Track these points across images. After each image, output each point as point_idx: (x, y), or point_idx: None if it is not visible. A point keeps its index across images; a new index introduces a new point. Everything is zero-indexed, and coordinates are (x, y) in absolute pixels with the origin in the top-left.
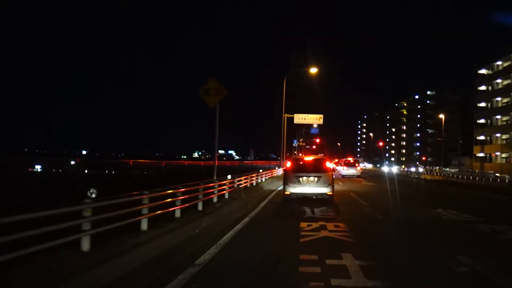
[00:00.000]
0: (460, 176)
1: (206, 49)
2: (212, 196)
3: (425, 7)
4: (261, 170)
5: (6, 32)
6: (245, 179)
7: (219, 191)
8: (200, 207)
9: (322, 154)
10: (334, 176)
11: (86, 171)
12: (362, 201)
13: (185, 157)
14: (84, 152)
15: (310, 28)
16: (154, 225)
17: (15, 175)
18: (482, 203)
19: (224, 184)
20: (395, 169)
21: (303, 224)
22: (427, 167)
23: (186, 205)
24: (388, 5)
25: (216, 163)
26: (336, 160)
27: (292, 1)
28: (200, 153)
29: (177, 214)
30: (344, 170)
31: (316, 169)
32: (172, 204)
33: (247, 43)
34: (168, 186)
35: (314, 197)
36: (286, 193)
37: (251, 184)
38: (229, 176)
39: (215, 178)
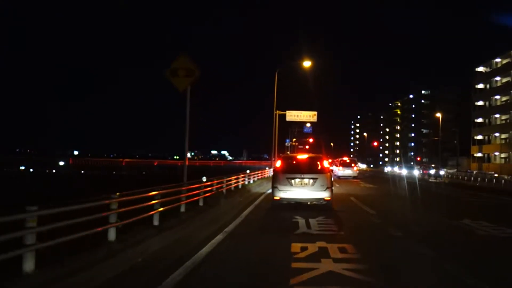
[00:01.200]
0: (460, 177)
1: (206, 49)
2: (179, 204)
3: (425, 7)
4: (248, 171)
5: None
6: (227, 181)
7: (189, 197)
8: (156, 222)
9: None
10: (332, 178)
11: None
12: (367, 208)
13: (177, 157)
14: (76, 152)
15: (309, 27)
16: (55, 260)
17: None
18: None
19: (198, 188)
20: (416, 172)
21: (296, 247)
22: (446, 169)
23: (127, 221)
24: (387, 5)
25: (187, 163)
26: (330, 160)
27: (291, 1)
28: (193, 153)
29: (111, 236)
30: (340, 171)
31: (311, 169)
32: (105, 220)
33: (246, 42)
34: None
35: (308, 203)
36: (275, 198)
37: (236, 186)
38: (204, 179)
39: (185, 181)
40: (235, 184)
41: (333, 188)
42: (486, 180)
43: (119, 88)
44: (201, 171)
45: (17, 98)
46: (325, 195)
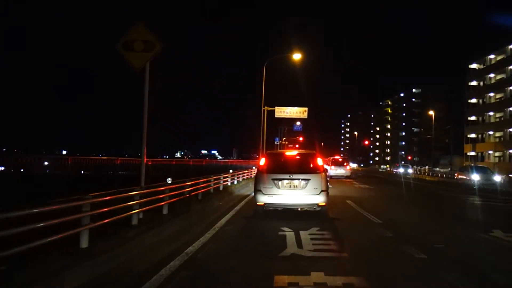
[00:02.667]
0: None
1: (204, 50)
2: (130, 213)
3: (419, 5)
4: (231, 170)
5: None
6: (204, 182)
7: (146, 204)
8: (84, 243)
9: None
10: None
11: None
12: (369, 216)
13: (166, 156)
14: (64, 152)
15: (302, 22)
16: None
17: None
18: None
19: (161, 193)
20: (491, 175)
21: (281, 283)
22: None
23: (20, 248)
24: (385, 4)
25: (145, 161)
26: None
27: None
28: (182, 152)
29: None
30: (332, 170)
31: (303, 168)
32: None
33: (243, 40)
34: None
35: (299, 209)
36: (258, 203)
37: (217, 188)
38: (169, 180)
39: (142, 184)
40: (215, 186)
41: (328, 191)
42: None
43: (120, 88)
44: (177, 171)
45: (9, 97)
46: (319, 200)
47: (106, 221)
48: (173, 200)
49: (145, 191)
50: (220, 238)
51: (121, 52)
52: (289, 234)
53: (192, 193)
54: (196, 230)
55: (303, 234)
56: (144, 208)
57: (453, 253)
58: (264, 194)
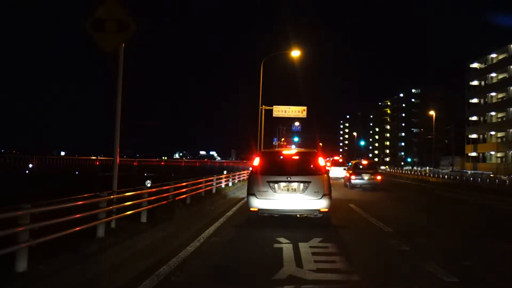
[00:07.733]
0: (465, 178)
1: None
2: (96, 223)
3: (423, 5)
4: (225, 172)
5: None
6: (193, 185)
7: (118, 212)
8: (21, 266)
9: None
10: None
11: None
12: (377, 222)
13: (165, 158)
14: (62, 153)
15: (305, 22)
16: None
17: None
18: None
19: (138, 198)
20: None
21: None
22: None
23: None
24: (384, 3)
25: (118, 161)
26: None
27: None
28: (181, 154)
29: None
30: (332, 171)
31: (303, 169)
32: None
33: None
34: None
35: (298, 215)
36: (251, 209)
37: (210, 191)
38: (148, 183)
39: (114, 188)
40: (207, 188)
41: (331, 195)
42: (489, 181)
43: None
44: (167, 172)
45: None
46: (321, 205)
47: (54, 236)
48: (154, 205)
49: (116, 196)
50: (204, 253)
51: (90, 33)
52: (286, 246)
53: (179, 197)
54: (176, 242)
55: (303, 246)
56: (114, 217)
57: (490, 274)
58: (258, 198)
